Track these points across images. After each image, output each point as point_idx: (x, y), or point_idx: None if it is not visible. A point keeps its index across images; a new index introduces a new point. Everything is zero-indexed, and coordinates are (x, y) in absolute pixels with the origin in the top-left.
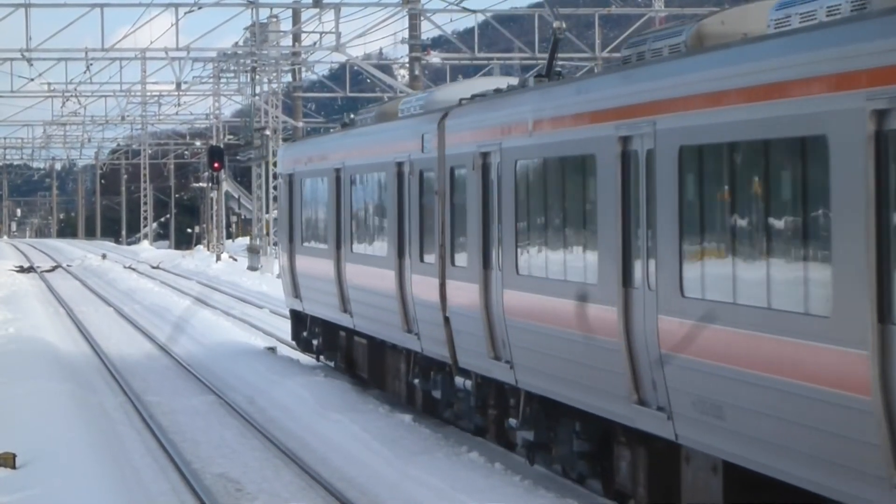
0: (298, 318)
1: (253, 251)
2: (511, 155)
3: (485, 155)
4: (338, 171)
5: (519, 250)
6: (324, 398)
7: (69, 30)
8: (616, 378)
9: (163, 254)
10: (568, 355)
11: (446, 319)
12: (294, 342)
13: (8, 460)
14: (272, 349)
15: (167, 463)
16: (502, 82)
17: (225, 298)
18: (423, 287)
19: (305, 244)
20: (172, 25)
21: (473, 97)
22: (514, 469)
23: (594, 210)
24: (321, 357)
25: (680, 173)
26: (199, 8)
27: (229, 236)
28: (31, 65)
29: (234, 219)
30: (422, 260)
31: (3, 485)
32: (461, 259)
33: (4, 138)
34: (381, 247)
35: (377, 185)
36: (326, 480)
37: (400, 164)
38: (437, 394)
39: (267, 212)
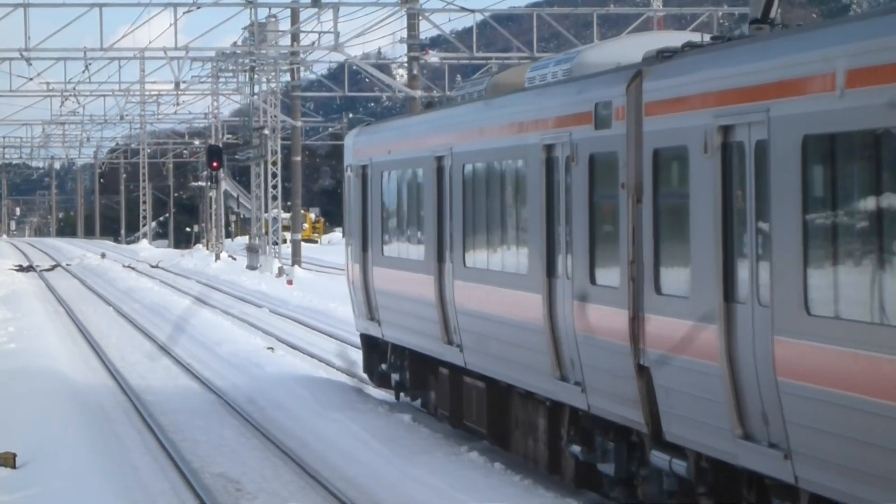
0: (373, 346)
1: (252, 250)
2: (791, 128)
3: (727, 130)
4: (440, 159)
5: (817, 273)
6: (323, 397)
7: (68, 29)
8: None
9: (162, 253)
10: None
11: (641, 369)
12: (367, 374)
13: (8, 460)
14: (271, 349)
15: (167, 462)
16: (666, 38)
17: (224, 297)
18: (596, 320)
19: (387, 254)
20: (171, 25)
21: (686, 47)
22: (514, 469)
23: None
24: (402, 395)
25: None
26: (198, 8)
27: (228, 235)
28: (30, 64)
29: (233, 218)
30: (594, 281)
31: (4, 484)
32: (674, 283)
33: (3, 137)
34: (516, 261)
35: (508, 176)
36: (326, 479)
37: (550, 148)
38: (607, 468)
39: (266, 211)
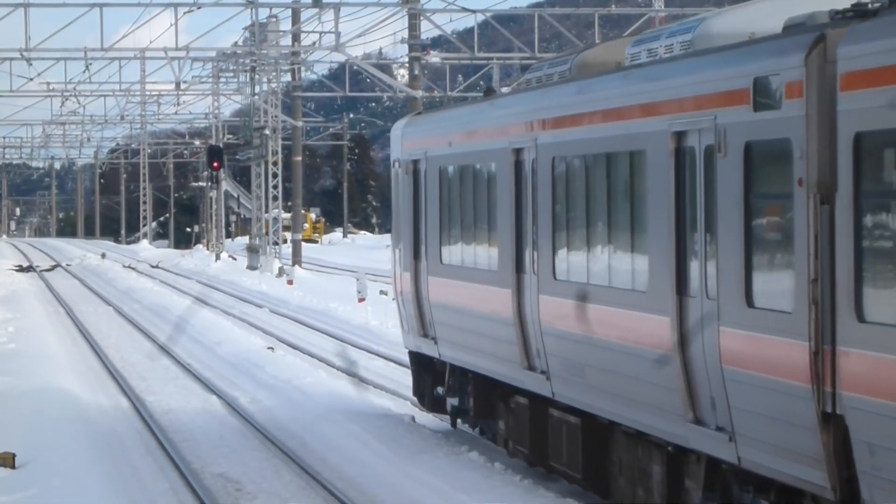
0: (424, 365)
1: (252, 250)
2: None
3: None
4: (519, 152)
5: None
6: (323, 396)
7: (68, 29)
8: None
9: (162, 253)
10: None
11: (828, 417)
12: (416, 398)
13: (8, 460)
14: (271, 349)
15: (166, 463)
16: (801, 4)
17: (224, 298)
18: (754, 352)
19: (447, 262)
20: (172, 25)
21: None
22: (514, 469)
23: None
24: (459, 421)
25: None
26: (199, 8)
27: (228, 235)
28: (31, 64)
29: (233, 218)
30: (752, 303)
31: (3, 484)
32: (888, 308)
33: (4, 137)
34: (629, 275)
35: (616, 170)
36: (326, 480)
37: (681, 136)
38: None
39: (266, 211)
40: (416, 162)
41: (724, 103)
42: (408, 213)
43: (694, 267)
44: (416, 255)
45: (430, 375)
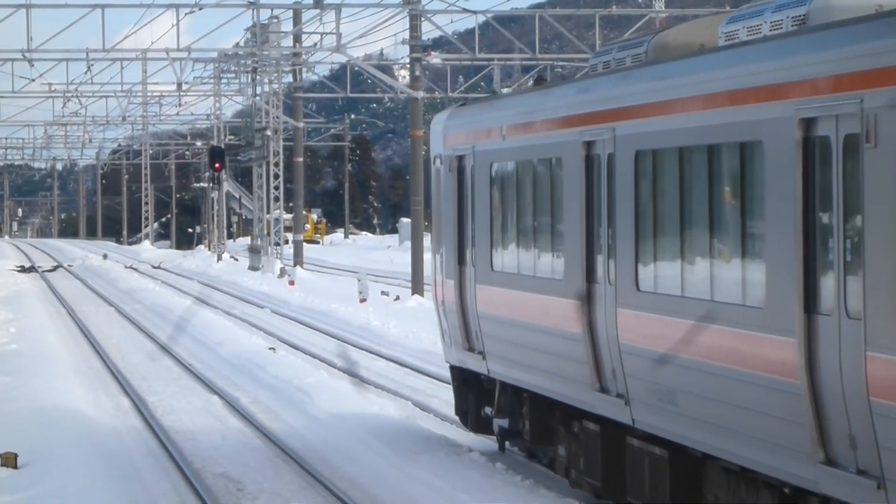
0: (467, 382)
1: (254, 251)
2: None
3: None
4: (590, 145)
5: None
6: (324, 398)
7: (70, 30)
8: None
9: (164, 254)
10: None
11: None
12: (459, 417)
13: (10, 460)
14: (272, 349)
15: (168, 463)
16: None
17: (226, 298)
18: None
19: (499, 268)
20: (173, 26)
21: None
22: (515, 469)
23: None
24: (507, 444)
25: None
26: (200, 9)
27: (230, 236)
28: (32, 65)
29: (234, 219)
30: None
31: (5, 485)
32: None
33: (6, 138)
34: (737, 286)
35: (720, 164)
36: (327, 479)
37: (810, 123)
38: None
39: (268, 212)
40: (461, 158)
41: (872, 83)
42: (451, 215)
43: (827, 279)
44: (461, 260)
45: (474, 393)
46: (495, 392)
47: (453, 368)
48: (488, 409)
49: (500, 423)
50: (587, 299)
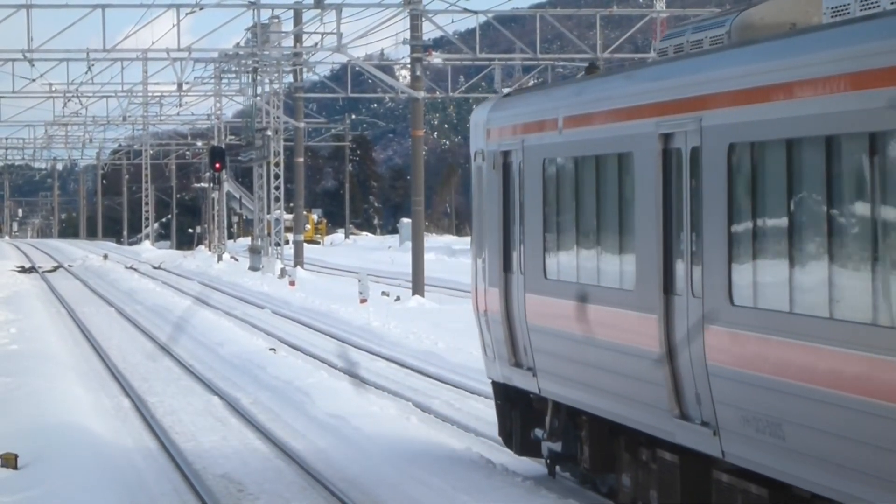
0: (513, 400)
1: (254, 251)
2: None
3: None
4: (669, 138)
5: None
6: (325, 398)
7: (71, 30)
8: None
9: (164, 254)
10: None
11: None
12: (503, 438)
13: (10, 461)
14: (273, 350)
15: (168, 463)
16: None
17: (226, 299)
18: None
19: (554, 276)
20: (174, 26)
21: None
22: (516, 469)
23: None
24: (557, 468)
25: None
26: (201, 9)
27: (231, 237)
28: (33, 65)
29: (235, 219)
30: None
31: (6, 485)
32: None
33: (6, 139)
34: (867, 304)
35: (845, 159)
36: (328, 480)
37: None
38: None
39: (268, 212)
40: (507, 153)
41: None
42: (496, 217)
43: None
44: (508, 267)
45: (519, 412)
46: (546, 412)
47: (496, 385)
48: (538, 431)
49: (551, 446)
50: (665, 313)
